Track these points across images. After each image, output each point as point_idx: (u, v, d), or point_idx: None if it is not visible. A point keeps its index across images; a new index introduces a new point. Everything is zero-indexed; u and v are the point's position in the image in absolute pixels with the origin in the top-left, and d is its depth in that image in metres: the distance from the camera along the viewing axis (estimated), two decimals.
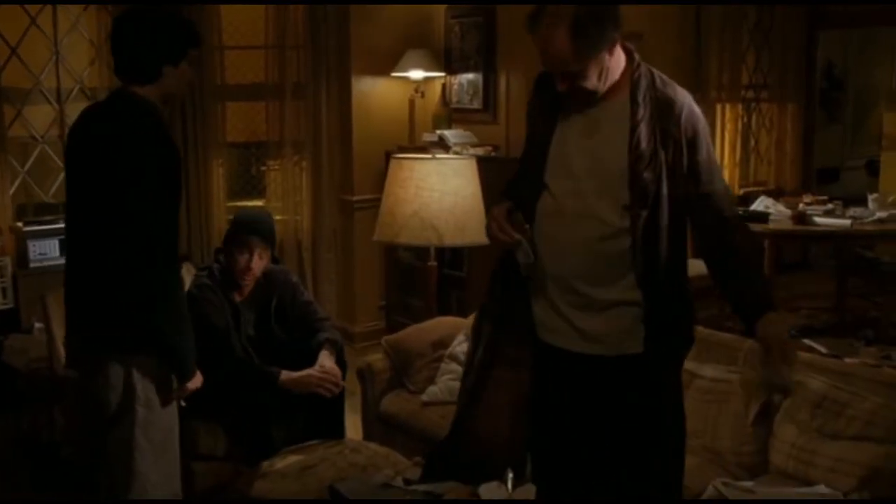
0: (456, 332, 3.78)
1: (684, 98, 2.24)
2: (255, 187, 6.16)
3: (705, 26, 7.39)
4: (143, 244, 2.45)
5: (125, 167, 2.43)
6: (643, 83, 2.23)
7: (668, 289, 2.23)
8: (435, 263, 4.26)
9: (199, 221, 5.45)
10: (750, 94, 7.93)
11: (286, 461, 2.94)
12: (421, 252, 5.52)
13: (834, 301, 6.64)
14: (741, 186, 7.80)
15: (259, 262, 3.44)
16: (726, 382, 3.10)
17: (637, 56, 2.28)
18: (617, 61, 2.22)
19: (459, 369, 3.57)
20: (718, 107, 7.57)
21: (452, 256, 5.41)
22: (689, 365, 3.20)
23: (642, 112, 2.20)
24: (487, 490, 2.48)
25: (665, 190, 2.19)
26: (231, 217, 5.51)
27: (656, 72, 2.28)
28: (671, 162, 2.19)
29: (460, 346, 3.65)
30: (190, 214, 5.40)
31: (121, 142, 2.45)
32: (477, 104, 5.55)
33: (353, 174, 5.74)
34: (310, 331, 3.53)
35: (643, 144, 2.18)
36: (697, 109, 2.26)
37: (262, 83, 5.62)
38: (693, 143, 2.21)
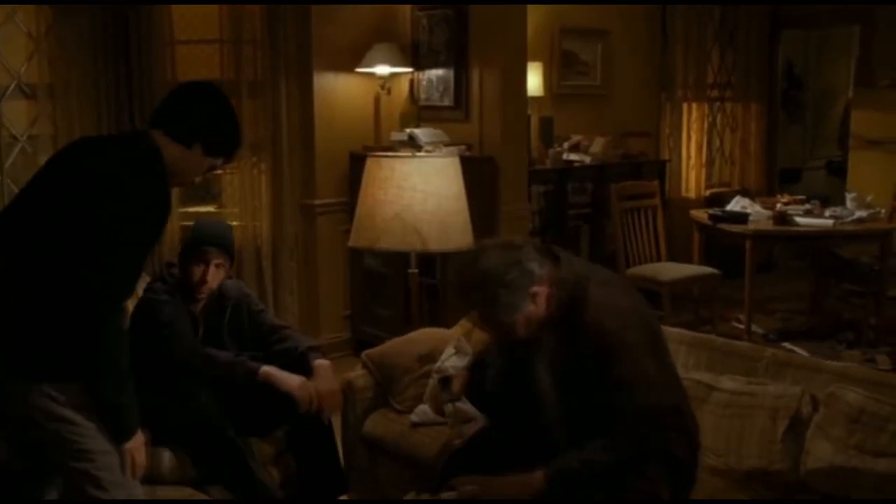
0: (443, 345, 3.46)
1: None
2: (209, 192, 5.78)
3: (671, 24, 7.26)
4: (101, 289, 2.24)
5: (115, 202, 2.25)
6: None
7: None
8: (416, 270, 3.94)
9: None
10: (715, 93, 7.81)
11: None
12: (389, 258, 5.23)
13: (806, 303, 6.52)
14: (707, 187, 7.68)
15: (216, 275, 3.18)
16: (748, 395, 2.83)
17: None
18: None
19: None
20: (685, 106, 7.44)
21: (423, 262, 5.10)
22: (705, 377, 2.98)
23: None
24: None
25: None
26: (185, 224, 5.25)
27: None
28: None
29: (450, 361, 3.34)
30: None
31: (122, 176, 2.28)
32: (448, 101, 5.25)
33: (316, 177, 5.40)
34: (268, 340, 3.28)
35: None
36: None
37: (216, 80, 5.22)
38: None
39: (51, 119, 4.71)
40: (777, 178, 8.49)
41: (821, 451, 2.64)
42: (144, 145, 2.38)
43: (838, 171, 9.08)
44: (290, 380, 3.05)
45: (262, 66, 5.22)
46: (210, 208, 5.83)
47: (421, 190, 3.59)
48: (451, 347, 3.39)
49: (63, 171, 2.35)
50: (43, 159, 4.65)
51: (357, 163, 5.33)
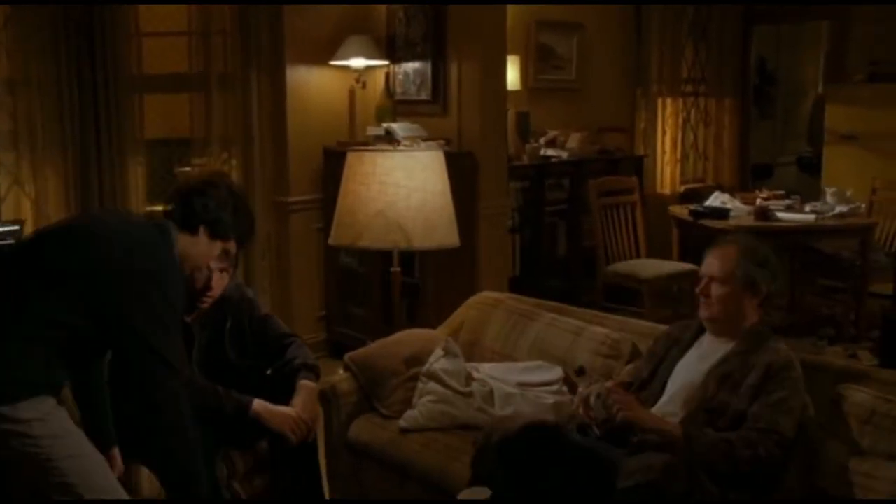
0: (430, 346, 3.33)
1: None
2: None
3: (645, 19, 7.19)
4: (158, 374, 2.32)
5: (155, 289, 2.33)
6: None
7: None
8: (398, 269, 3.81)
9: None
10: (689, 88, 7.75)
11: None
12: (366, 257, 5.09)
13: (784, 299, 6.46)
14: (682, 183, 7.62)
15: (221, 281, 2.89)
16: None
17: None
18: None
19: (440, 389, 3.14)
20: (659, 101, 7.36)
21: (401, 260, 4.96)
22: None
23: None
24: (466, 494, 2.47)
25: None
26: None
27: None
28: None
29: (439, 363, 3.21)
30: None
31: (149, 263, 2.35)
32: (425, 95, 5.10)
33: (289, 173, 5.23)
34: (272, 349, 3.06)
35: None
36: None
37: (184, 73, 5.06)
38: None
39: (10, 115, 4.52)
40: (750, 174, 8.46)
41: (831, 454, 2.54)
42: (160, 231, 2.44)
43: (808, 166, 9.08)
44: (283, 419, 2.83)
45: (232, 59, 5.04)
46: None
47: (404, 185, 3.46)
48: (440, 349, 3.26)
49: (90, 259, 2.32)
50: (4, 156, 4.50)
51: (331, 159, 5.19)
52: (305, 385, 2.92)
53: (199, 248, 2.53)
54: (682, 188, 7.55)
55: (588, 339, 3.21)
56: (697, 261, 5.77)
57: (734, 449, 2.39)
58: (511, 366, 3.25)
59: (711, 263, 2.70)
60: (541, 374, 3.17)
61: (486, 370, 3.25)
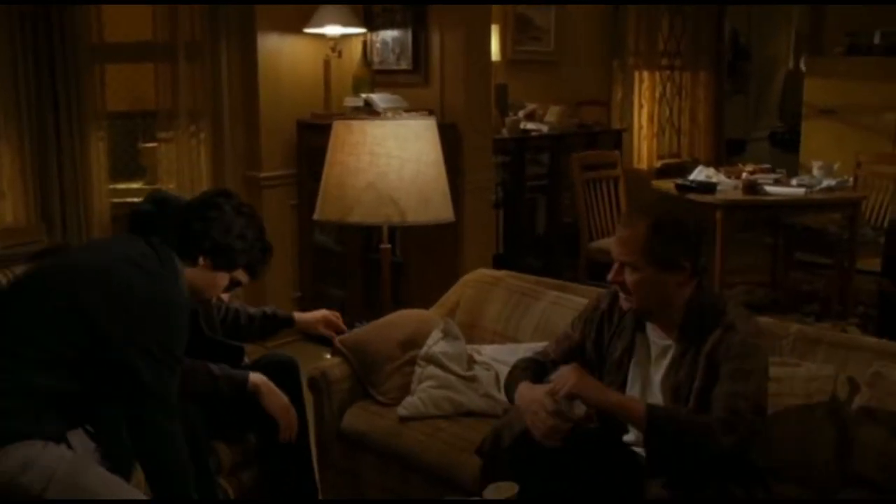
0: (426, 328, 3.12)
1: None
2: (141, 165, 5.29)
3: None
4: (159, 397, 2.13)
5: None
6: None
7: None
8: (388, 246, 3.59)
9: (75, 206, 4.56)
10: (665, 61, 7.61)
11: None
12: (343, 234, 4.88)
13: (765, 275, 6.36)
14: (659, 158, 7.49)
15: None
16: (775, 380, 2.55)
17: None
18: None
19: (440, 373, 2.94)
20: (636, 74, 7.22)
21: (379, 237, 4.73)
22: None
23: None
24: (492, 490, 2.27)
25: None
26: (115, 201, 4.76)
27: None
28: None
29: (438, 346, 3.00)
30: (65, 198, 4.52)
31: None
32: (405, 65, 4.86)
33: (261, 147, 4.96)
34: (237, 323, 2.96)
35: None
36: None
37: (148, 42, 4.75)
38: None
39: None
40: (724, 149, 8.37)
41: (869, 438, 2.39)
42: (161, 261, 2.20)
43: (781, 142, 9.02)
44: (279, 402, 2.65)
45: (199, 27, 4.76)
46: (139, 184, 5.35)
47: (397, 156, 3.23)
48: (438, 331, 3.06)
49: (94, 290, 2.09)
50: None
51: (305, 132, 4.96)
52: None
53: (204, 280, 2.33)
54: (659, 163, 7.43)
55: None
56: None
57: (716, 433, 2.07)
58: (515, 347, 3.05)
59: (620, 242, 2.26)
60: None
61: (489, 353, 3.05)
